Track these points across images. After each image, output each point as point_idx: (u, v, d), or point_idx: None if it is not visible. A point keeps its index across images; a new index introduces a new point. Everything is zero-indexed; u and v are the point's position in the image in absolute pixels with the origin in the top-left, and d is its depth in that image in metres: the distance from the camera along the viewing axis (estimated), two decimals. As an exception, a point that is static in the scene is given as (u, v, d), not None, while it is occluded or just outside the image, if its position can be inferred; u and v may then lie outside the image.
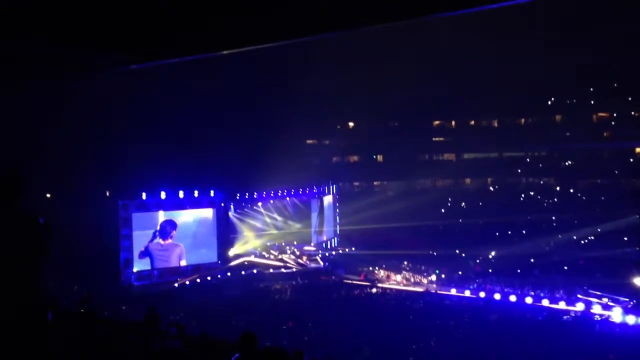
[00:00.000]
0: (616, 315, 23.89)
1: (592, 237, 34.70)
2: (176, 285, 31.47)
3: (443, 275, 31.76)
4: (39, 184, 26.83)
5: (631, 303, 24.94)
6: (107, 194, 31.73)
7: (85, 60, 7.87)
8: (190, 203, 33.95)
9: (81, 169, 28.89)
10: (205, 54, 7.20)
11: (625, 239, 32.05)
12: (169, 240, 32.76)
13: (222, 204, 35.38)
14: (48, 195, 29.07)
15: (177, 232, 32.93)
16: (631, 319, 23.23)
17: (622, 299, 25.48)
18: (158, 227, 32.31)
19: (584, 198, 40.63)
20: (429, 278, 31.86)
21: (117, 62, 7.61)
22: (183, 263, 33.11)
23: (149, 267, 31.81)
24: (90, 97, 27.54)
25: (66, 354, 4.48)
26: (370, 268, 34.23)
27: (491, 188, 46.41)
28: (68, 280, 22.71)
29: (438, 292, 30.14)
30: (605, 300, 25.55)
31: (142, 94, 30.62)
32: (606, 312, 24.57)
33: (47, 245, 3.69)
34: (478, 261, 33.98)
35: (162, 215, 32.60)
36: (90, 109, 29.22)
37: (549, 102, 43.98)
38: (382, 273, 33.83)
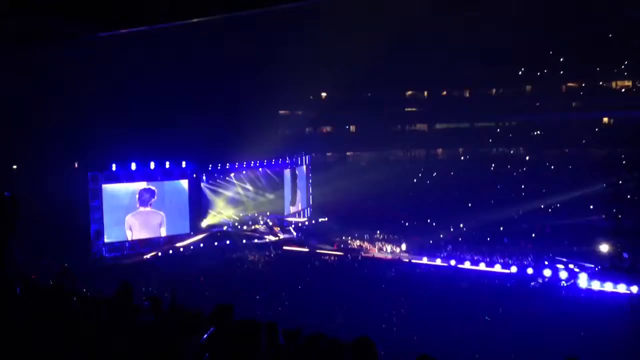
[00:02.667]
0: (582, 281, 24.56)
1: (560, 206, 35.48)
2: (148, 256, 31.27)
3: (415, 244, 32.15)
4: (4, 156, 26.23)
5: (596, 269, 25.66)
6: (76, 165, 31.17)
7: (52, 28, 7.62)
8: (161, 174, 33.61)
9: (48, 140, 28.25)
10: (173, 21, 7.00)
11: (592, 207, 32.80)
12: (148, 208, 32.52)
13: (194, 175, 35.11)
14: (14, 167, 28.45)
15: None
16: (596, 285, 23.91)
17: (587, 265, 26.21)
18: (137, 195, 32.10)
19: (552, 167, 41.32)
20: (401, 247, 32.24)
21: (85, 30, 7.38)
22: (163, 231, 32.95)
23: (122, 239, 31.56)
24: (58, 68, 26.78)
25: (35, 328, 4.40)
26: (343, 238, 34.47)
27: (462, 158, 46.88)
28: (37, 254, 22.36)
29: (410, 260, 30.54)
30: (571, 266, 26.24)
31: (111, 65, 29.93)
32: (572, 278, 25.24)
33: (13, 219, 3.59)
34: (449, 230, 34.44)
35: (133, 187, 32.24)
36: (57, 79, 28.45)
37: (520, 73, 44.28)
38: (354, 243, 34.10)
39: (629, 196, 30.25)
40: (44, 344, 3.99)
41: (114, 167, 31.43)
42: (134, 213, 32.00)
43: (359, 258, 31.66)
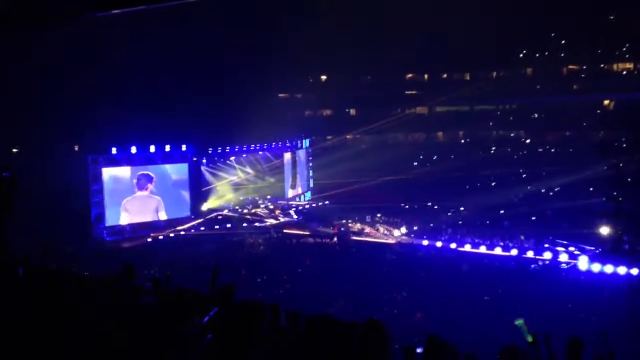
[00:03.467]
0: (582, 263, 24.59)
1: (560, 189, 35.46)
2: (149, 240, 31.33)
3: (415, 227, 32.16)
4: (5, 139, 26.17)
5: (597, 251, 25.70)
6: (76, 148, 31.13)
7: (51, 9, 7.54)
8: (161, 158, 33.58)
9: (48, 124, 28.18)
10: (172, 1, 6.92)
11: (591, 189, 32.79)
12: (145, 193, 32.54)
13: (195, 159, 35.06)
14: (14, 150, 28.40)
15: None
16: (596, 267, 23.95)
17: (587, 247, 26.23)
18: (135, 180, 32.12)
19: (552, 150, 41.25)
20: (401, 230, 32.25)
21: (84, 9, 7.30)
22: (162, 216, 33.01)
23: (124, 222, 31.65)
24: (59, 50, 26.62)
25: (35, 310, 4.40)
26: (344, 221, 34.46)
27: (462, 141, 46.78)
28: (37, 237, 22.38)
29: (410, 243, 30.55)
30: (572, 249, 26.27)
31: (111, 47, 29.75)
32: (572, 261, 25.28)
33: (12, 200, 3.55)
34: (449, 213, 34.46)
35: (133, 170, 32.24)
36: (58, 62, 28.28)
37: (520, 56, 44.05)
38: (355, 226, 34.09)
39: (629, 179, 30.27)
40: (45, 324, 3.98)
41: (114, 150, 31.40)
42: (130, 198, 32.04)
43: (360, 241, 31.56)
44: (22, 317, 4.25)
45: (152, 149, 32.81)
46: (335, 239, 31.58)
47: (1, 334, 3.96)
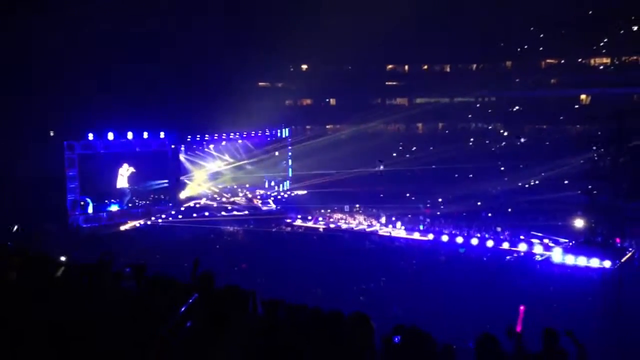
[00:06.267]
0: (556, 255, 24.98)
1: (537, 181, 35.93)
2: (127, 227, 31.09)
3: (393, 218, 32.34)
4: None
5: (570, 244, 26.11)
6: (51, 134, 30.65)
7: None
8: (140, 145, 33.23)
9: (23, 108, 27.65)
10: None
11: (566, 182, 33.28)
12: (120, 181, 32.45)
13: (173, 146, 34.75)
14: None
15: (127, 174, 32.53)
16: (570, 259, 24.34)
17: (562, 240, 26.65)
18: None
19: (529, 143, 41.69)
20: (379, 220, 32.42)
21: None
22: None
23: (99, 210, 31.41)
24: (35, 34, 26.12)
25: (11, 293, 4.35)
26: (322, 210, 34.53)
27: (442, 133, 47.06)
28: (11, 222, 22.09)
29: (388, 234, 30.74)
30: (546, 241, 26.68)
31: (91, 31, 29.29)
32: (547, 253, 25.68)
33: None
34: (427, 204, 34.70)
35: (109, 156, 31.98)
36: (35, 46, 27.76)
37: (499, 49, 44.35)
38: (333, 215, 34.18)
39: (603, 172, 30.71)
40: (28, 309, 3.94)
41: (90, 136, 30.99)
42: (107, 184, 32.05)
43: (337, 231, 31.67)
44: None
45: (130, 135, 32.43)
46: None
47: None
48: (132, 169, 32.68)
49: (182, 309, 3.86)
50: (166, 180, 34.32)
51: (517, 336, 6.49)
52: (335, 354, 4.01)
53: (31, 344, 3.75)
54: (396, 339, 5.14)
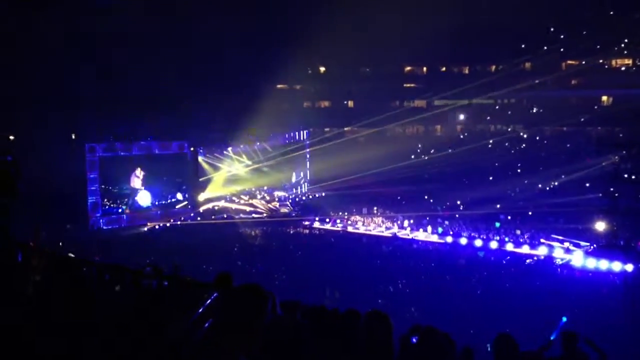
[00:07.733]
0: (577, 259, 24.68)
1: (557, 184, 35.53)
2: (146, 229, 31.36)
3: (411, 220, 32.22)
4: (2, 126, 26.06)
5: (591, 247, 25.77)
6: (73, 136, 31.05)
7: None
8: (159, 147, 33.52)
9: (46, 111, 28.06)
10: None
11: (588, 185, 32.86)
12: (135, 184, 32.69)
13: (192, 149, 34.99)
14: (11, 137, 28.26)
15: (146, 176, 32.79)
16: (591, 263, 24.03)
17: (582, 243, 26.31)
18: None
19: (550, 145, 41.27)
20: (398, 223, 32.31)
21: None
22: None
23: (120, 211, 31.73)
24: (58, 37, 26.48)
25: (38, 294, 4.42)
26: (340, 213, 34.52)
27: (461, 136, 46.75)
28: (34, 224, 22.31)
29: (406, 236, 30.64)
30: (567, 244, 26.36)
31: (112, 35, 29.62)
32: (567, 256, 25.37)
33: (15, 183, 3.55)
34: (445, 206, 34.51)
35: (130, 159, 32.27)
36: (57, 50, 28.14)
37: (519, 50, 43.98)
38: (351, 218, 34.16)
39: (625, 175, 30.31)
40: (47, 307, 4.00)
41: (111, 139, 31.34)
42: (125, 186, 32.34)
43: (355, 233, 31.61)
44: (20, 302, 4.27)
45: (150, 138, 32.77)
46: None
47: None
48: (143, 173, 32.83)
49: (201, 309, 3.89)
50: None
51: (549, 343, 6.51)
52: (354, 351, 4.02)
53: (53, 344, 3.81)
54: (414, 339, 5.15)
